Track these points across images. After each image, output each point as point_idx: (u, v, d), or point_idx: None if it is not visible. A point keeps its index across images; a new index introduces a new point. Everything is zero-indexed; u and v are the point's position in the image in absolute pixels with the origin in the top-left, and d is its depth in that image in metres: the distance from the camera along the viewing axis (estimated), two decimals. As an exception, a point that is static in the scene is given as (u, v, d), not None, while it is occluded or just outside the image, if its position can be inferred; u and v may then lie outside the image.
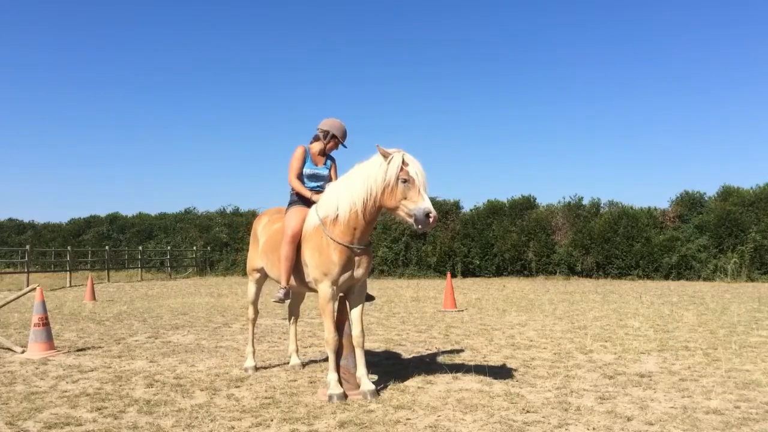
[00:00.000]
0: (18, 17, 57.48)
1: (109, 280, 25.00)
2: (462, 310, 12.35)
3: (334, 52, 63.10)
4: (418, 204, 4.99)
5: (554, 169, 53.62)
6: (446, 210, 28.86)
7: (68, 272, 23.14)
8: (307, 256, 5.46)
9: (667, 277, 23.94)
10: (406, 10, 61.74)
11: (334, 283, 5.35)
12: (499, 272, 26.74)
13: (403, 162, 5.09)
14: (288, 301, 6.24)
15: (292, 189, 5.94)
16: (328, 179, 6.03)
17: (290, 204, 5.93)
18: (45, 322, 7.57)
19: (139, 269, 27.94)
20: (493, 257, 26.66)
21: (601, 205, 27.80)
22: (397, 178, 5.07)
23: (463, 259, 26.85)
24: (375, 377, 5.80)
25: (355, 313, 5.63)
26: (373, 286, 20.91)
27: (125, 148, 61.31)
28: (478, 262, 26.80)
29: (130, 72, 59.49)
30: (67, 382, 5.94)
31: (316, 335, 9.06)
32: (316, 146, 6.01)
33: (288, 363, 6.75)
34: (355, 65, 62.67)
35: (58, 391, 5.56)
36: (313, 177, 5.98)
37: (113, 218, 35.68)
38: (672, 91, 54.26)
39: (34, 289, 8.06)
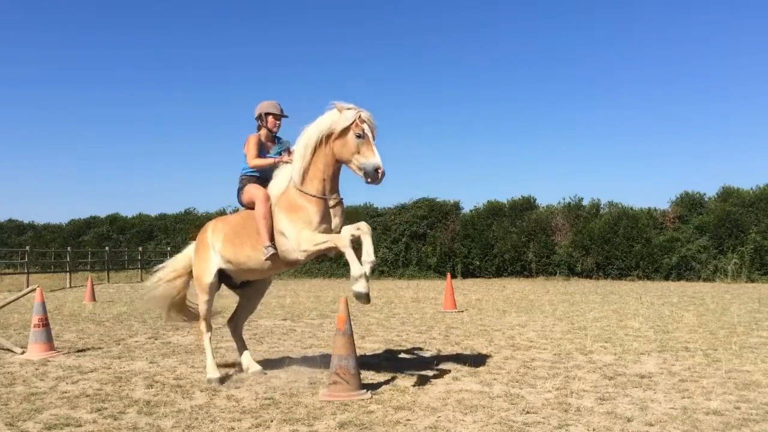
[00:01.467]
0: (18, 17, 57.54)
1: (109, 281, 25.00)
2: (462, 311, 12.35)
3: (334, 51, 63.13)
4: (369, 159, 5.26)
5: (554, 170, 53.62)
6: (446, 211, 28.88)
7: (68, 273, 23.14)
8: (283, 221, 5.54)
9: (667, 278, 23.94)
10: (405, 10, 61.78)
11: (316, 230, 5.46)
12: (499, 273, 26.74)
13: (359, 119, 5.33)
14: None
15: (247, 176, 6.03)
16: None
17: (241, 189, 6.03)
18: (45, 323, 7.57)
19: (139, 270, 27.92)
20: (493, 258, 26.66)
21: (601, 205, 27.82)
22: (351, 132, 5.32)
23: (463, 260, 26.85)
24: (374, 380, 5.77)
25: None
26: (373, 287, 20.89)
27: (125, 149, 61.32)
28: (478, 263, 26.81)
29: (130, 72, 59.50)
30: (66, 383, 5.94)
31: (316, 335, 9.06)
32: (263, 133, 6.16)
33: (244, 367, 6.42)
34: (355, 65, 62.70)
35: (57, 392, 5.56)
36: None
37: (113, 219, 35.68)
38: (672, 91, 54.27)
39: (33, 289, 8.06)
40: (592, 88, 56.69)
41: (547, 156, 56.14)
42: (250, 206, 5.86)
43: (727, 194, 26.11)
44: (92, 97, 59.84)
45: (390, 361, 7.01)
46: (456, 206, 29.28)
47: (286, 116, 6.18)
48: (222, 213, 33.56)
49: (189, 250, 6.58)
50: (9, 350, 7.69)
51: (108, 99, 60.02)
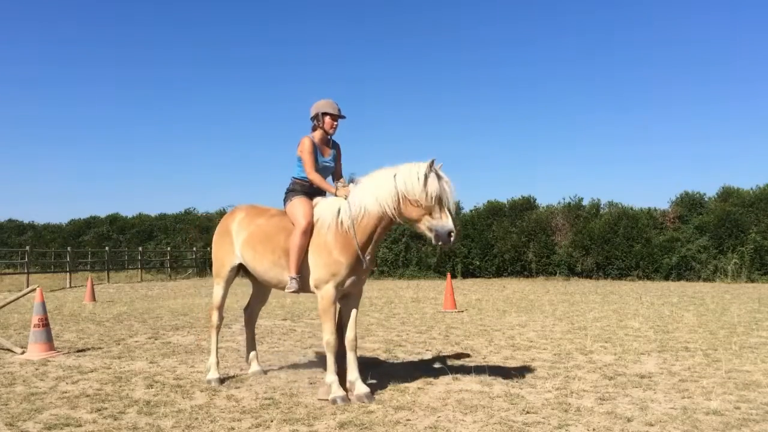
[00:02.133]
0: (17, 16, 57.52)
1: (108, 281, 25.00)
2: (462, 311, 12.35)
3: (334, 51, 63.14)
4: (442, 222, 5.03)
5: (554, 170, 53.65)
6: (446, 211, 28.84)
7: (68, 273, 23.14)
8: (314, 253, 5.31)
9: (667, 278, 23.94)
10: (404, 9, 61.78)
11: (340, 285, 5.27)
12: (499, 273, 26.74)
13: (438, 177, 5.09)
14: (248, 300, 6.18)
15: (300, 180, 5.68)
16: (333, 171, 5.87)
17: (290, 193, 5.67)
18: (45, 323, 7.57)
19: (139, 270, 27.92)
20: (493, 258, 26.66)
21: (601, 205, 27.85)
22: (433, 193, 5.02)
23: (463, 260, 26.85)
24: (374, 381, 5.77)
25: (350, 317, 5.51)
26: (374, 287, 20.89)
27: (125, 149, 61.34)
28: (478, 263, 26.81)
29: (130, 72, 59.52)
30: (66, 383, 5.94)
31: (316, 335, 9.05)
32: (318, 134, 5.73)
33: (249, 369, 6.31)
34: (354, 64, 62.70)
35: (57, 392, 5.56)
36: (321, 171, 5.67)
37: (113, 219, 35.70)
38: (672, 91, 54.30)
39: (33, 289, 8.06)
40: (592, 88, 56.73)
41: (547, 156, 56.17)
42: (290, 218, 5.53)
43: (727, 194, 26.13)
44: (92, 97, 59.86)
45: (390, 361, 7.01)
46: (456, 206, 29.27)
47: (343, 117, 5.76)
48: (222, 213, 33.64)
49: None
50: (9, 350, 7.68)
51: (108, 99, 60.05)
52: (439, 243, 5.07)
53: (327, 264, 5.24)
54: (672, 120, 53.43)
